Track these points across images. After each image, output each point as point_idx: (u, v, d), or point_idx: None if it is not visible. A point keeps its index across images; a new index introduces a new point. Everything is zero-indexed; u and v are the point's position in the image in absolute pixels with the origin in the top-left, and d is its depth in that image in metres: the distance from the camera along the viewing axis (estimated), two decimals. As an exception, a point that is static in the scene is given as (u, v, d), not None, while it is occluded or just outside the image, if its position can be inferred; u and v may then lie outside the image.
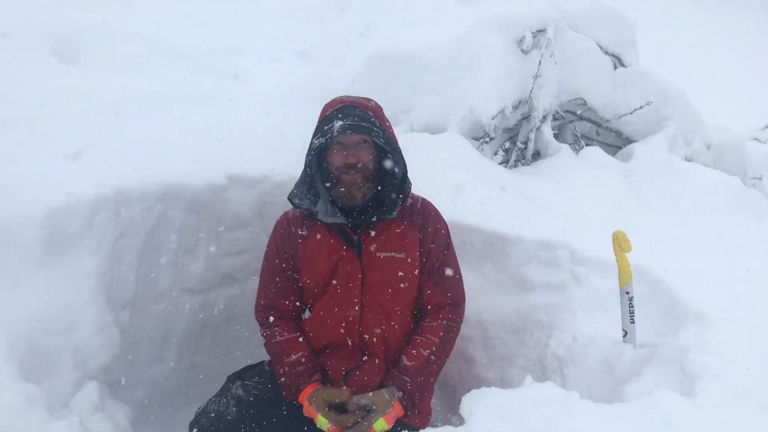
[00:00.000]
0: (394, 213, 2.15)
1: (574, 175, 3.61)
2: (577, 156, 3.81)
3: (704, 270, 2.66)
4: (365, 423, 2.01)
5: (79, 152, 2.52)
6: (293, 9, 8.52)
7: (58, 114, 2.85)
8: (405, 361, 2.16)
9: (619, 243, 2.25)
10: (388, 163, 2.18)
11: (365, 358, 2.20)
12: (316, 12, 8.67)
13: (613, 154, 4.05)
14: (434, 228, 2.26)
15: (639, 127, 4.09)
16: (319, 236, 2.19)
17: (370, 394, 2.08)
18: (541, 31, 3.97)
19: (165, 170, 2.57)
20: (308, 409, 2.09)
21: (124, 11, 5.29)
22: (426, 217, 2.27)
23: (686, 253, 2.81)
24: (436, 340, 2.19)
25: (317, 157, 2.18)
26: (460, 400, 1.81)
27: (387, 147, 2.11)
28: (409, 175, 2.21)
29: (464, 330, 2.75)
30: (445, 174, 3.11)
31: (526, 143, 3.91)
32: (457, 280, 2.30)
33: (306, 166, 2.19)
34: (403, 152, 2.17)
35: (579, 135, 4.11)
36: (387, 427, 2.02)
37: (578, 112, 4.15)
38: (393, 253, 2.17)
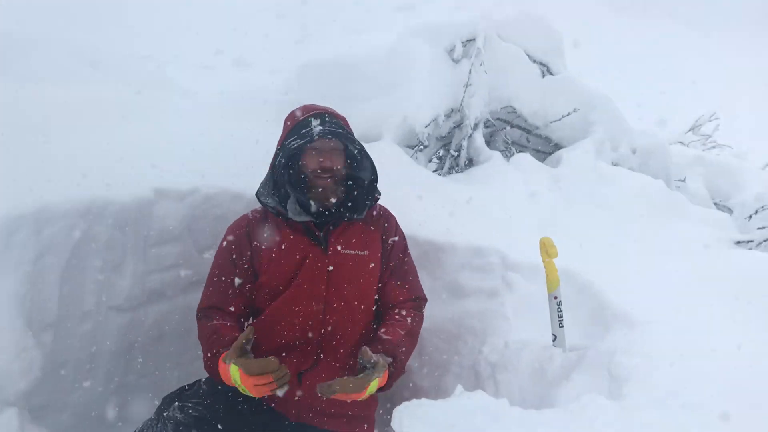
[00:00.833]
0: (362, 214, 2.28)
1: (505, 181, 3.67)
2: (508, 162, 3.88)
3: (630, 272, 2.75)
4: (361, 379, 1.94)
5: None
6: (231, 17, 8.43)
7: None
8: (383, 335, 2.18)
9: (546, 249, 2.30)
10: (361, 171, 2.33)
11: (321, 357, 2.20)
12: (254, 20, 8.60)
13: (543, 160, 4.15)
14: (394, 230, 2.42)
15: (567, 133, 4.20)
16: (282, 236, 2.24)
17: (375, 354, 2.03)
18: (471, 40, 4.04)
19: (90, 186, 2.48)
20: (225, 373, 1.95)
21: (53, 20, 5.11)
22: (387, 220, 2.42)
23: (613, 256, 2.89)
24: (408, 322, 2.26)
25: (287, 158, 2.25)
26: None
27: (359, 155, 2.29)
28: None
29: (399, 339, 2.77)
30: (379, 182, 3.12)
31: (459, 151, 3.96)
32: (418, 281, 2.45)
33: (273, 165, 2.29)
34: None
35: (510, 142, 4.19)
36: (373, 391, 2.01)
37: (509, 119, 4.22)
38: (357, 251, 2.27)
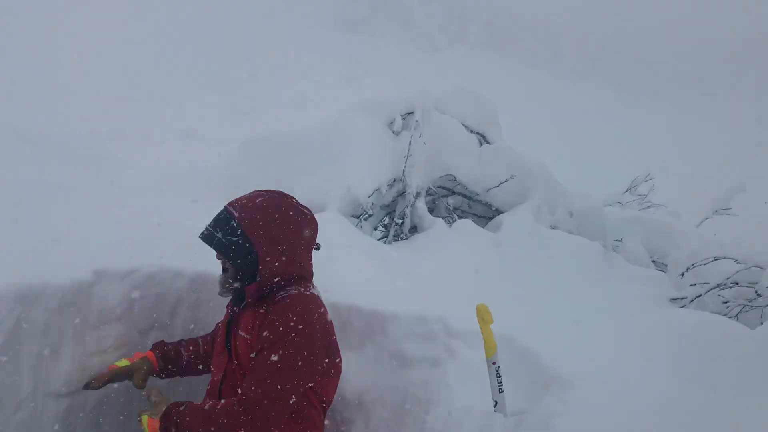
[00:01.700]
0: (241, 306, 2.42)
1: (448, 246, 3.76)
2: (450, 228, 3.99)
3: (567, 334, 2.83)
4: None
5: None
6: (181, 87, 8.51)
7: None
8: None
9: (482, 316, 2.37)
10: (239, 257, 2.36)
11: None
12: (203, 92, 8.69)
13: (485, 225, 4.27)
14: (273, 318, 2.25)
15: (506, 198, 4.35)
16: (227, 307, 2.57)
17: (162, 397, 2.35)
18: (410, 113, 4.20)
19: (26, 270, 2.46)
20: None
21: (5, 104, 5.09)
22: (273, 308, 2.29)
23: (550, 319, 2.98)
24: (218, 406, 2.20)
25: None
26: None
27: (224, 254, 2.37)
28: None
29: (345, 413, 2.77)
30: (323, 253, 3.16)
31: (403, 218, 4.05)
32: (258, 383, 2.16)
33: None
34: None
35: (452, 208, 4.31)
36: (146, 429, 2.20)
37: (450, 187, 4.36)
38: (243, 333, 2.36)
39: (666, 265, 5.13)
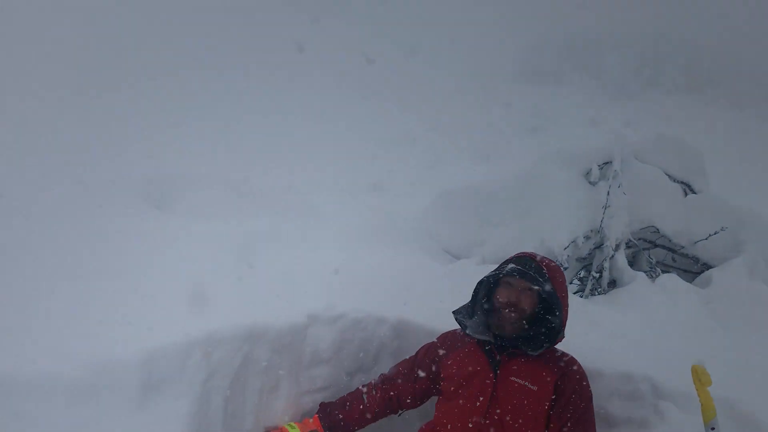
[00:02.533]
0: (536, 352, 2.45)
1: (652, 303, 3.56)
2: (653, 283, 3.77)
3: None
4: None
5: (171, 296, 2.71)
6: (366, 144, 8.95)
7: (147, 259, 3.06)
8: None
9: (698, 376, 2.22)
10: (550, 313, 2.52)
11: None
12: (388, 146, 9.06)
13: (691, 280, 3.98)
14: (576, 381, 2.46)
15: (716, 252, 4.04)
16: (465, 349, 2.59)
17: None
18: (608, 163, 4.07)
19: (251, 311, 2.71)
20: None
21: (212, 159, 5.69)
22: (568, 369, 2.49)
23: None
24: None
25: (485, 288, 2.60)
26: None
27: (548, 298, 2.47)
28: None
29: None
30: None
31: (600, 272, 3.91)
32: None
33: (474, 292, 2.62)
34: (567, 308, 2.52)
35: (654, 262, 4.08)
36: None
37: (652, 239, 4.14)
38: (527, 383, 2.41)
39: None
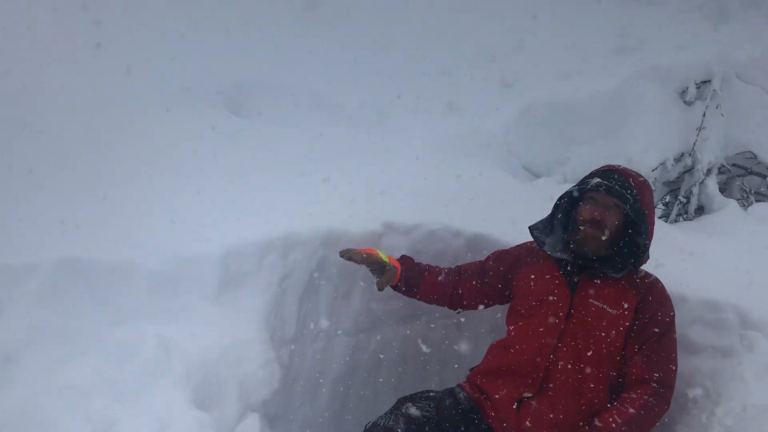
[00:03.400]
0: (619, 274, 2.30)
1: (743, 232, 3.37)
2: (745, 212, 3.58)
3: None
4: None
5: (251, 198, 2.73)
6: (439, 63, 8.70)
7: (227, 164, 3.08)
8: (597, 422, 2.17)
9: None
10: (636, 234, 2.33)
11: (541, 392, 2.27)
12: (462, 65, 8.78)
13: (788, 211, 3.74)
14: (658, 304, 2.33)
15: (817, 182, 3.77)
16: (541, 266, 2.45)
17: None
18: (706, 81, 3.80)
19: (327, 217, 2.70)
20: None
21: (293, 68, 5.63)
22: (652, 291, 2.36)
23: None
24: (632, 411, 2.16)
25: (568, 204, 2.44)
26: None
27: (634, 217, 2.28)
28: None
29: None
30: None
31: (688, 197, 3.73)
32: (670, 364, 2.30)
33: (554, 207, 2.48)
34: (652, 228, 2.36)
35: (748, 190, 3.86)
36: None
37: (747, 165, 3.89)
38: (606, 306, 2.29)
39: None
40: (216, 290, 2.29)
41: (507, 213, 3.13)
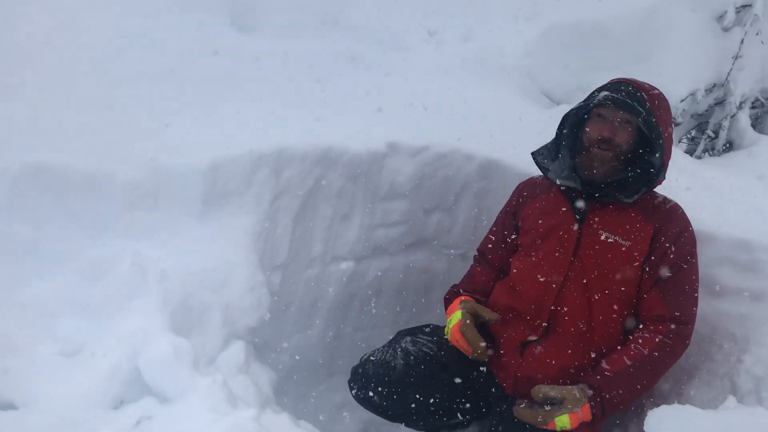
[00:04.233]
0: (630, 199, 2.02)
1: (775, 169, 3.13)
2: (778, 149, 3.32)
3: None
4: (546, 412, 1.85)
5: (244, 112, 2.50)
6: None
7: (221, 73, 2.84)
8: (604, 364, 1.95)
9: None
10: (650, 154, 2.03)
11: (547, 335, 2.04)
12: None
13: (825, 149, 3.49)
14: (677, 232, 2.04)
15: None
16: (545, 198, 2.17)
17: (561, 387, 1.89)
18: (747, 6, 3.48)
19: (327, 133, 2.48)
20: (451, 311, 2.14)
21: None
22: (670, 217, 2.06)
23: None
24: (644, 352, 1.93)
25: (573, 123, 2.13)
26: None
27: (648, 132, 1.97)
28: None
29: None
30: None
31: (717, 132, 3.46)
32: (689, 300, 2.03)
33: (558, 127, 2.15)
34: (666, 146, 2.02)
35: (782, 125, 3.59)
36: (569, 426, 1.82)
37: (784, 100, 3.61)
38: (617, 238, 2.02)
39: None
40: (200, 207, 2.11)
41: (522, 139, 2.86)
